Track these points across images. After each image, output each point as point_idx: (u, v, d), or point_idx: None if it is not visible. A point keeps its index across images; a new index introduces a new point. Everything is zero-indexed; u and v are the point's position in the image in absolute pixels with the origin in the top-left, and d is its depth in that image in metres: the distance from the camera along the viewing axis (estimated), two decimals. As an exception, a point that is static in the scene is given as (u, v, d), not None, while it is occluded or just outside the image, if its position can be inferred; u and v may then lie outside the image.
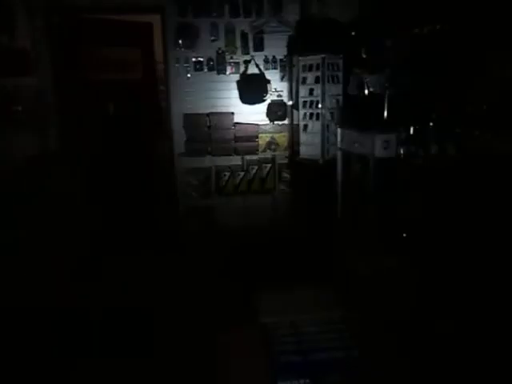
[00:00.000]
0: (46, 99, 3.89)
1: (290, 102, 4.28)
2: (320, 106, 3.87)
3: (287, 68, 4.27)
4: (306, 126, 4.01)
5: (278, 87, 4.35)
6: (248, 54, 4.25)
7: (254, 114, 4.35)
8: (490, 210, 2.29)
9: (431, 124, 2.69)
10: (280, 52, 4.30)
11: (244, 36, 4.22)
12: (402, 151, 2.87)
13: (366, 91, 3.52)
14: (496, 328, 2.06)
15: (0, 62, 3.13)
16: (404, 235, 2.86)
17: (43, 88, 3.86)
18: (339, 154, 3.51)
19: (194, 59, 4.21)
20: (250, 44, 4.24)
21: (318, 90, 3.87)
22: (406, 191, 2.85)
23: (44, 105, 3.87)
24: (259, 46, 4.25)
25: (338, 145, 3.50)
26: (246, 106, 4.29)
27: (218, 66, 4.23)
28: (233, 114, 4.29)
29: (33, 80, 3.74)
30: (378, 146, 2.89)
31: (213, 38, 4.18)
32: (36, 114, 3.73)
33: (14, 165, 3.22)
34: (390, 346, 1.99)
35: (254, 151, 4.35)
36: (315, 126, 3.93)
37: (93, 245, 3.74)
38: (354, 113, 3.69)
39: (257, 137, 4.34)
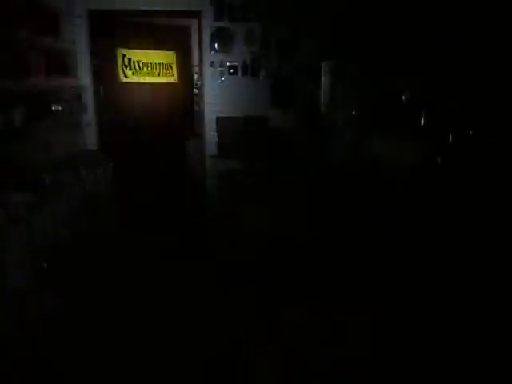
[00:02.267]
0: (85, 100, 4.02)
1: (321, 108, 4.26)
2: (351, 111, 3.85)
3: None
4: (335, 132, 3.99)
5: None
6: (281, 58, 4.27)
7: (286, 119, 4.36)
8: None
9: (468, 132, 2.63)
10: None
11: (279, 41, 4.24)
12: (434, 159, 2.82)
13: (400, 98, 3.47)
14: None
15: (45, 63, 3.23)
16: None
17: (83, 89, 3.99)
18: (369, 159, 3.47)
19: (228, 63, 4.26)
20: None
21: (347, 95, 3.85)
22: (436, 199, 2.80)
23: (83, 105, 3.99)
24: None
25: (369, 150, 3.46)
26: (279, 110, 4.31)
27: (252, 70, 4.27)
28: (266, 118, 4.31)
29: (73, 80, 3.86)
30: (408, 152, 2.85)
31: (248, 42, 4.21)
32: (76, 113, 3.85)
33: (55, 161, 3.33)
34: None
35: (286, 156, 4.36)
36: (345, 131, 3.91)
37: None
38: (385, 119, 3.63)
39: (288, 141, 4.34)
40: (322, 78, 4.21)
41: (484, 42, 2.71)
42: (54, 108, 3.44)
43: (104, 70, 4.22)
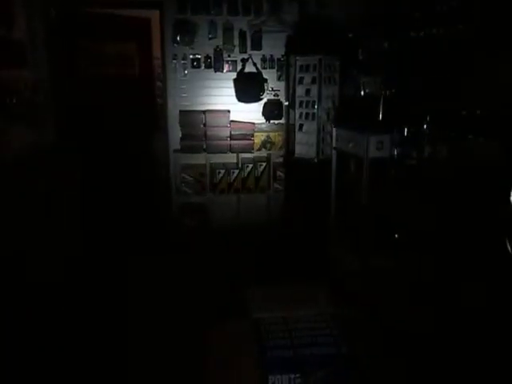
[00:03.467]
0: (41, 92, 3.88)
1: (287, 102, 4.30)
2: (316, 106, 3.90)
3: (284, 67, 4.29)
4: (301, 126, 4.04)
5: (274, 86, 4.37)
6: (246, 52, 4.27)
7: (250, 113, 4.37)
8: (477, 214, 2.32)
9: (425, 126, 2.72)
10: (278, 51, 4.32)
11: (242, 34, 4.23)
12: (395, 152, 2.90)
13: (362, 92, 3.55)
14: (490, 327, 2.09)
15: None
16: (396, 236, 2.89)
17: (39, 81, 3.85)
18: (334, 153, 3.54)
19: (191, 56, 4.22)
20: (248, 42, 4.26)
21: (314, 90, 3.91)
22: (398, 192, 2.88)
23: (39, 98, 3.85)
24: (257, 45, 4.27)
25: (333, 144, 3.53)
26: (243, 104, 4.31)
27: (215, 63, 4.25)
28: (229, 111, 4.30)
29: (29, 72, 3.72)
30: (371, 146, 2.92)
31: (211, 35, 4.19)
32: (31, 106, 3.71)
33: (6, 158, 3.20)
34: (380, 344, 2.01)
35: (250, 149, 4.37)
36: (311, 125, 3.97)
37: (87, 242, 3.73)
38: (349, 113, 3.73)
39: (252, 135, 4.36)
40: (287, 72, 4.26)
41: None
42: (7, 101, 3.31)
43: (62, 61, 4.08)
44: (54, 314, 2.76)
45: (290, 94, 4.20)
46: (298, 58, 3.98)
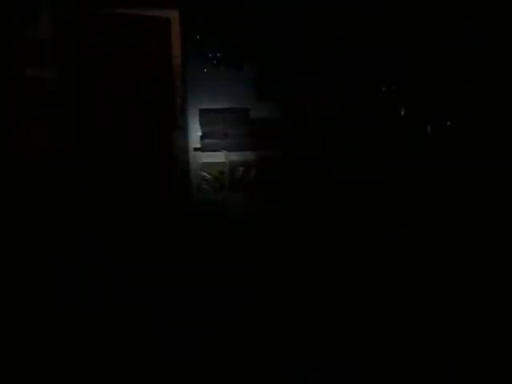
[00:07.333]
0: (66, 91, 3.92)
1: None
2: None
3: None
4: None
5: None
6: (265, 50, 4.27)
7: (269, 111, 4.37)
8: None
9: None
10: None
11: (262, 32, 4.23)
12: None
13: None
14: None
15: (24, 53, 3.15)
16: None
17: (63, 80, 3.89)
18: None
19: (211, 55, 4.23)
20: (268, 40, 4.25)
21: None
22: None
23: (64, 96, 3.90)
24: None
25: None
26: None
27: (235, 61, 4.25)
28: (248, 110, 4.30)
29: (54, 72, 3.77)
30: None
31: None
32: (54, 106, 3.76)
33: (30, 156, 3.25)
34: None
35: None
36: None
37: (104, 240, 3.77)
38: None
39: (273, 134, 4.34)
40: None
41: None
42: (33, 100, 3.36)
43: (84, 60, 4.12)
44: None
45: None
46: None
